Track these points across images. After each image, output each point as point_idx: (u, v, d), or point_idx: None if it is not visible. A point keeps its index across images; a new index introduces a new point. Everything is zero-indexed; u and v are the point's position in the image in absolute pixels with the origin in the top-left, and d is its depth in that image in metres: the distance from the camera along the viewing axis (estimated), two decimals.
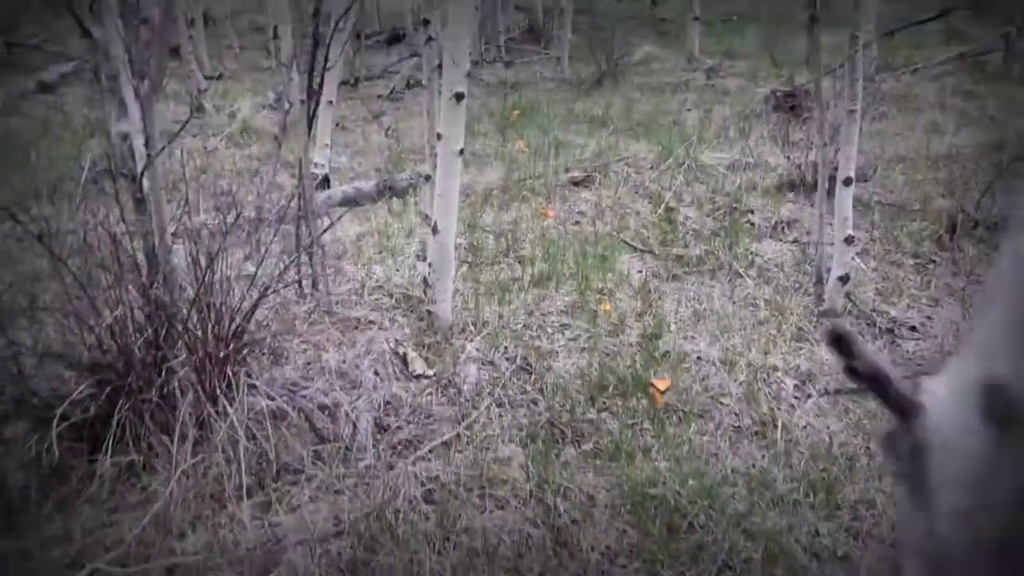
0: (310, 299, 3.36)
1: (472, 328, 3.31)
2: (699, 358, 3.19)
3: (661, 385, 3.00)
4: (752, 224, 4.41)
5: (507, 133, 6.27)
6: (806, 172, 4.80)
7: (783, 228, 4.39)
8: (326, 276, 3.46)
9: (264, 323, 2.88)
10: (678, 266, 4.00)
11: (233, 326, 2.55)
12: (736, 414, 2.84)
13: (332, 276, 3.58)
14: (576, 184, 5.07)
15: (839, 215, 3.30)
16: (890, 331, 3.33)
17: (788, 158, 4.92)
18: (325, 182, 4.89)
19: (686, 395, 2.95)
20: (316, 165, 4.88)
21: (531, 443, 2.61)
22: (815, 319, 3.40)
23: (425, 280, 3.33)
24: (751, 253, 4.09)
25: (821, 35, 3.58)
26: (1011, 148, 5.32)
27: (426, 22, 3.27)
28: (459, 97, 2.93)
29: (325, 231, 3.51)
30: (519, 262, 4.05)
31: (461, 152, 3.01)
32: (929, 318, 3.47)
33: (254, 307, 2.64)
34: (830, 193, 3.50)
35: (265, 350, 2.86)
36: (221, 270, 2.58)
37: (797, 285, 3.72)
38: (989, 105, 6.65)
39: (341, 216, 4.03)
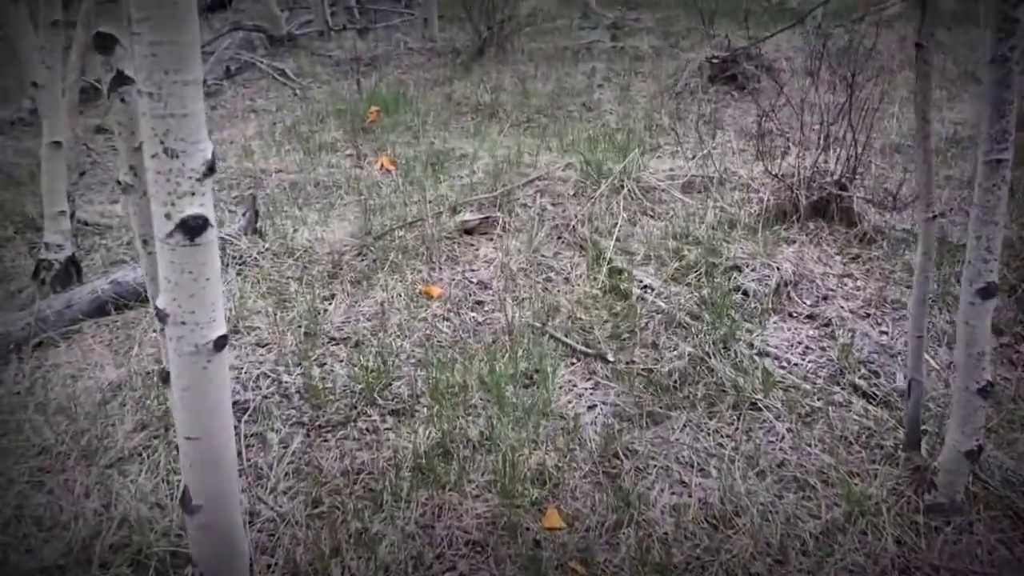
0: None
1: None
2: None
3: None
4: (745, 294, 2.90)
5: (363, 142, 4.49)
6: (798, 192, 3.32)
7: (788, 294, 2.91)
8: None
9: None
10: (651, 392, 2.45)
11: None
12: None
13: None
14: (469, 232, 3.41)
15: (965, 348, 1.79)
16: None
17: (769, 171, 3.42)
18: (66, 275, 3.01)
19: None
20: (47, 248, 3.01)
21: None
22: (924, 521, 1.93)
23: None
24: (758, 353, 2.59)
25: None
26: None
27: None
28: (194, 229, 1.20)
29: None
30: (391, 415, 2.40)
31: (223, 343, 1.30)
32: None
33: None
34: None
35: None
36: None
37: (865, 432, 2.24)
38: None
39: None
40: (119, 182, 1.43)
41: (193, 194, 1.20)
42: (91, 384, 2.49)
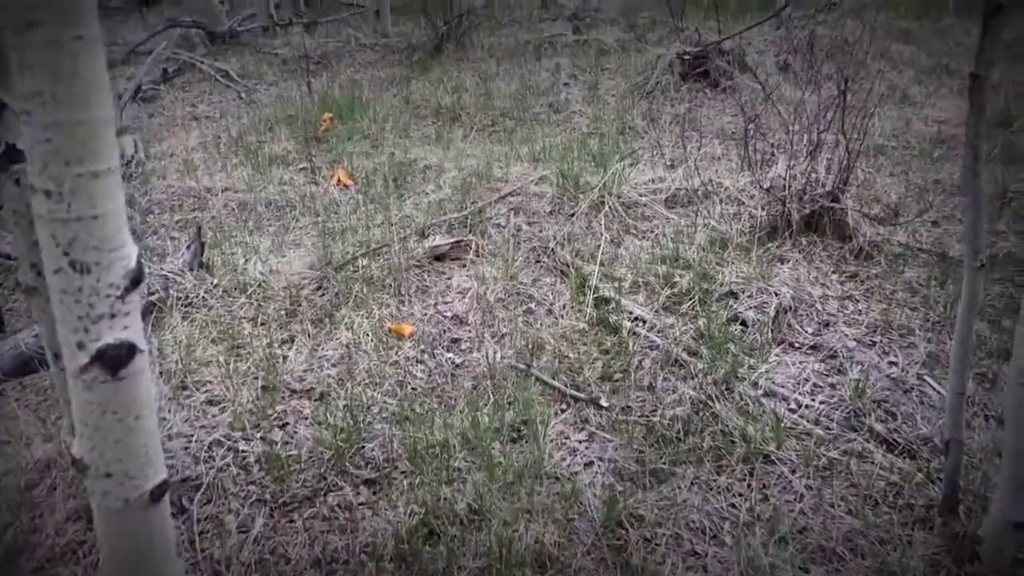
0: None
1: None
2: None
3: None
4: (744, 324, 2.69)
5: (318, 154, 4.17)
6: (790, 206, 3.12)
7: (788, 321, 2.71)
8: None
9: None
10: (652, 444, 2.22)
11: None
12: None
13: None
14: (439, 258, 3.14)
15: (1017, 412, 1.60)
16: None
17: (760, 184, 3.21)
18: None
19: None
20: None
21: None
22: None
23: None
24: (764, 394, 2.38)
25: None
26: None
27: None
28: (117, 361, 0.92)
29: None
30: (365, 486, 2.13)
31: (161, 492, 1.02)
32: None
33: None
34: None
35: None
36: None
37: (892, 489, 2.04)
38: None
39: None
40: (19, 283, 1.13)
41: (113, 316, 0.92)
42: (14, 464, 2.16)
